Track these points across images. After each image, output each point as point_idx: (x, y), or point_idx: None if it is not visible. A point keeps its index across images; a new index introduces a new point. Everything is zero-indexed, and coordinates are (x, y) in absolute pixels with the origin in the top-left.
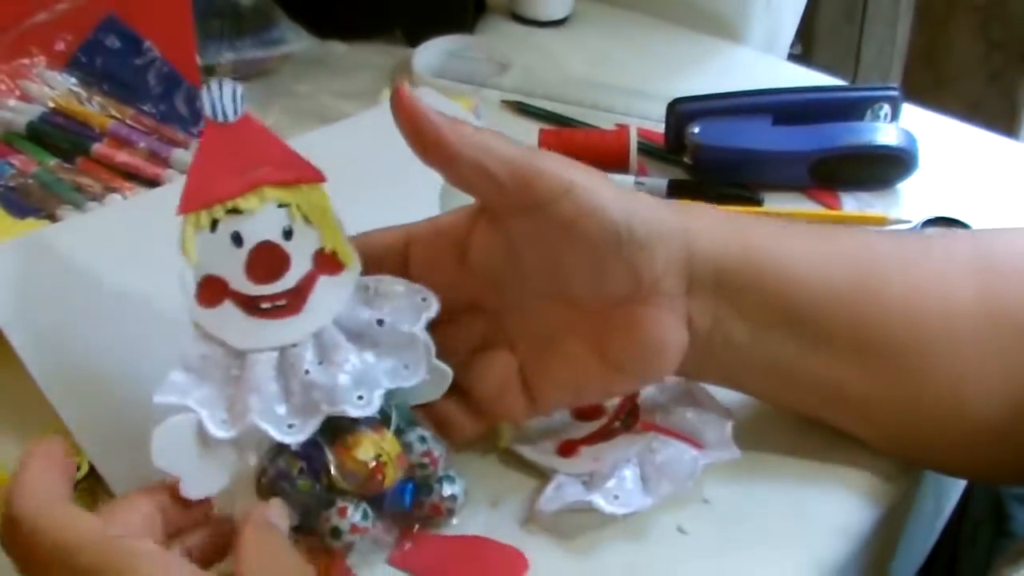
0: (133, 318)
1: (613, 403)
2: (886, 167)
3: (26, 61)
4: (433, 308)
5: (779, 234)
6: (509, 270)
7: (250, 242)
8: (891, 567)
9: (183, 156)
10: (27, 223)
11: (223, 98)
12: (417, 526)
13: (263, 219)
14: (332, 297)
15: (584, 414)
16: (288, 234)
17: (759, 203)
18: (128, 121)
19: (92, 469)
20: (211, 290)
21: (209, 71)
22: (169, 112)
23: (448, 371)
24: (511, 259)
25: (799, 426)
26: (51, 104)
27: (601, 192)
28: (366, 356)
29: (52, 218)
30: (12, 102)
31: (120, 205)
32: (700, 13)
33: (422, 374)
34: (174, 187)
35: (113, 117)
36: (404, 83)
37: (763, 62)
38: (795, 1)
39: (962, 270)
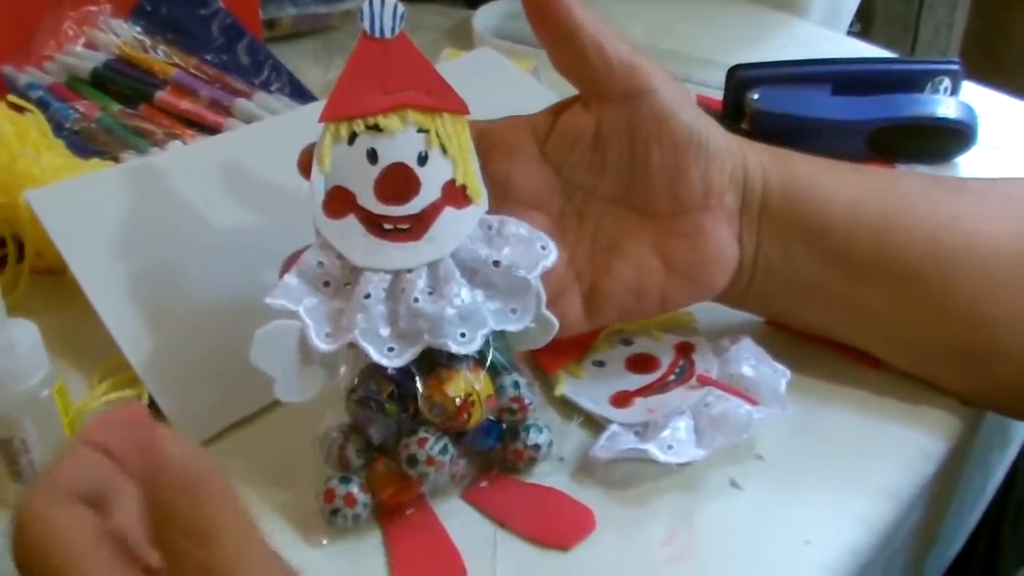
0: (195, 258)
1: (668, 357)
2: (945, 140)
3: (93, 8)
4: (551, 257)
5: (820, 168)
6: (587, 163)
7: (384, 161)
8: (939, 532)
9: (244, 105)
10: (91, 163)
11: (383, 13)
12: (497, 468)
13: (401, 141)
14: (454, 230)
15: (638, 366)
16: (423, 160)
17: None
18: (191, 70)
19: (152, 402)
20: (338, 201)
21: (271, 25)
22: (231, 63)
23: (555, 322)
24: (593, 151)
25: (854, 384)
26: (115, 51)
27: (684, 99)
28: (477, 294)
29: (116, 160)
30: (77, 48)
31: (183, 150)
32: None
33: (528, 321)
34: (236, 134)
35: (176, 66)
36: None
37: (824, 36)
38: None
39: (998, 208)
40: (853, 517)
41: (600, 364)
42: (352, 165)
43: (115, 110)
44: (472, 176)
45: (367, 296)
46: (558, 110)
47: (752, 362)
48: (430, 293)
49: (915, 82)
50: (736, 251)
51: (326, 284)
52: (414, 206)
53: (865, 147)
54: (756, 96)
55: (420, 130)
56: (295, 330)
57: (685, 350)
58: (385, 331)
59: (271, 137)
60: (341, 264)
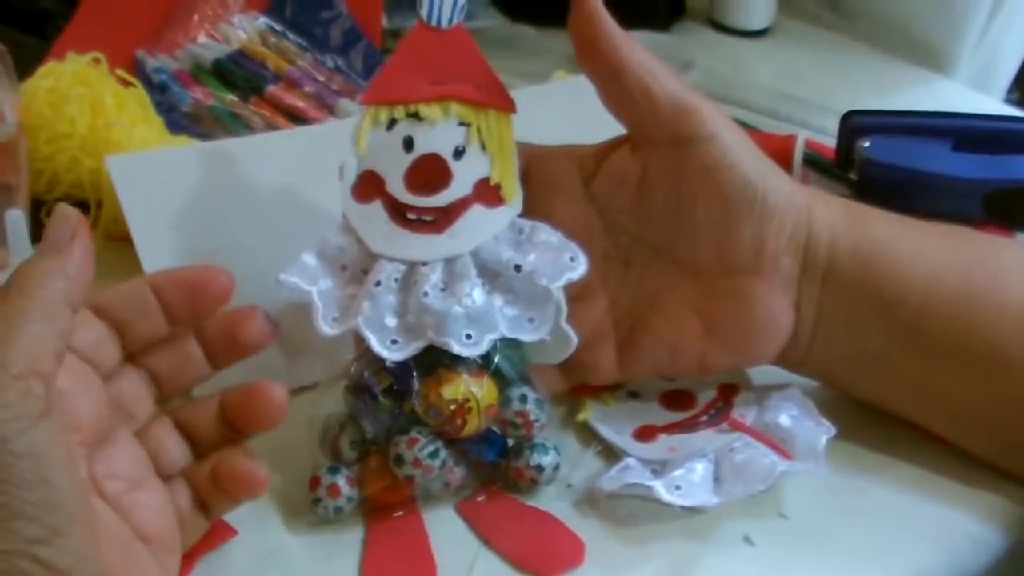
0: (247, 242)
1: (707, 397)
2: None
3: (226, 2)
4: (579, 270)
5: (902, 233)
6: (632, 209)
7: (419, 150)
8: None
9: (347, 106)
10: (178, 139)
11: (443, 3)
12: (499, 485)
13: (440, 132)
14: (480, 228)
15: (673, 402)
16: (459, 153)
17: None
18: (305, 68)
19: None
20: (367, 185)
21: (394, 34)
22: (345, 65)
23: (574, 338)
24: (639, 196)
25: (906, 454)
26: (238, 45)
27: (744, 148)
28: (494, 298)
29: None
30: (202, 39)
31: (263, 137)
32: (909, 40)
33: (544, 333)
34: (317, 128)
35: (291, 63)
36: None
37: (969, 97)
38: (1016, 39)
39: None
40: None
41: (634, 395)
42: (387, 151)
43: (228, 99)
44: (509, 176)
45: (377, 284)
46: (609, 148)
47: (793, 412)
48: (442, 289)
49: None
50: (790, 320)
51: (343, 268)
52: (441, 199)
53: (981, 210)
54: (867, 144)
55: (462, 123)
56: (303, 310)
57: (727, 393)
58: (392, 322)
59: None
60: (360, 249)
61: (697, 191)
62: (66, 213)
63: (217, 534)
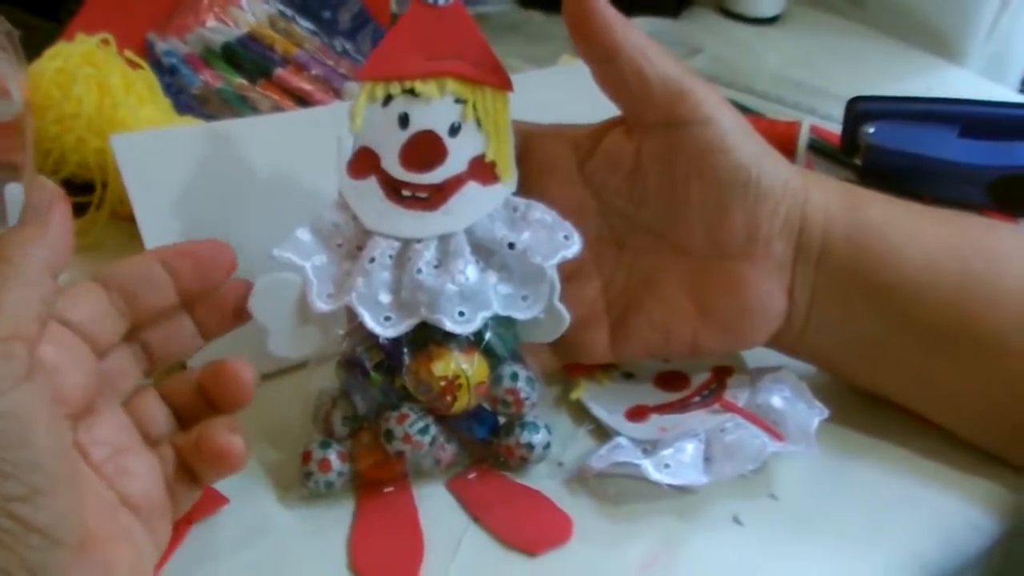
0: (246, 222)
1: (701, 378)
2: None
3: None
4: (573, 248)
5: (899, 216)
6: (626, 191)
7: (415, 127)
8: None
9: (354, 89)
10: (183, 120)
11: None
12: (490, 462)
13: (436, 109)
14: (475, 206)
15: (668, 383)
16: (454, 130)
17: None
18: (313, 51)
19: None
20: (362, 162)
21: None
22: (354, 49)
23: (567, 316)
24: (633, 179)
25: (901, 438)
26: (247, 29)
27: (740, 132)
28: (488, 275)
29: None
30: (212, 22)
31: (266, 119)
32: (920, 28)
33: (537, 311)
34: (318, 111)
35: (299, 47)
36: None
37: (981, 86)
38: None
39: None
40: None
41: (629, 375)
42: (382, 127)
43: (236, 82)
44: (504, 154)
45: (371, 260)
46: (604, 129)
47: (786, 394)
48: (436, 267)
49: None
50: (782, 304)
51: (339, 245)
52: (436, 176)
53: (985, 195)
54: (872, 130)
55: (458, 100)
56: (295, 285)
57: (721, 374)
58: (386, 299)
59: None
60: (355, 226)
61: (690, 174)
62: (44, 185)
63: (209, 502)
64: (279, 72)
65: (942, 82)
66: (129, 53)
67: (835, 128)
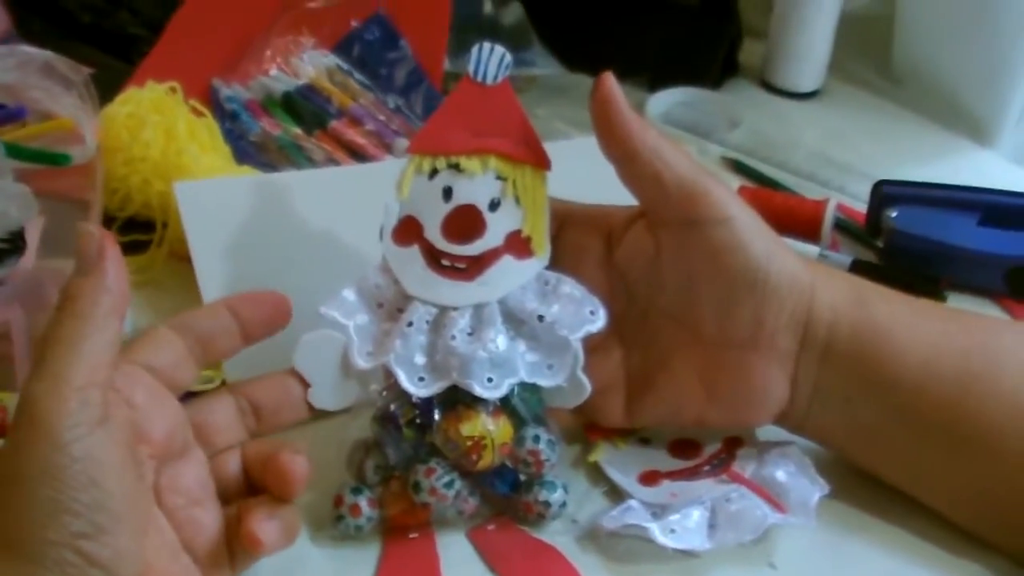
0: (298, 272)
1: (712, 448)
2: None
3: (299, 39)
4: (598, 324)
5: (903, 314)
6: (647, 278)
7: (457, 200)
8: None
9: (404, 145)
10: (241, 169)
11: (490, 60)
12: (509, 516)
13: (478, 184)
14: (509, 278)
15: (680, 451)
16: (494, 205)
17: (942, 300)
18: (368, 106)
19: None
20: (406, 230)
21: (455, 77)
22: (406, 106)
23: (587, 386)
24: (653, 268)
25: (897, 518)
26: (306, 80)
27: (753, 231)
28: (517, 343)
29: (268, 168)
30: (274, 71)
31: (321, 172)
32: (954, 109)
33: (561, 380)
34: (371, 167)
35: (355, 100)
36: (610, 76)
37: (1009, 170)
38: None
39: None
40: None
41: (645, 440)
42: (427, 198)
43: (293, 131)
44: (540, 230)
45: (410, 324)
46: (632, 219)
47: (791, 469)
48: (469, 334)
49: None
50: (785, 392)
51: (380, 305)
52: (475, 248)
53: (1003, 284)
54: (894, 214)
55: (499, 177)
56: (339, 342)
57: (731, 445)
58: (421, 360)
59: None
60: (396, 289)
61: (701, 270)
62: (90, 231)
63: None
64: (334, 124)
65: (972, 165)
66: (194, 102)
67: (862, 207)
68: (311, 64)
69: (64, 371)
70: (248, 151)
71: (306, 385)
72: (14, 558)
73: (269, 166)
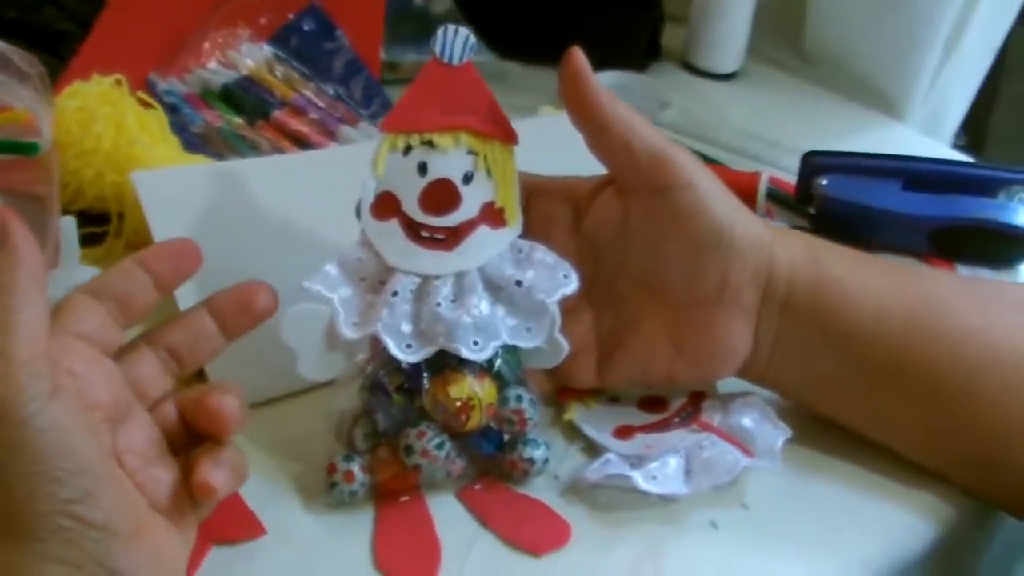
0: (263, 255)
1: (679, 401)
2: (1010, 246)
3: (235, 31)
4: (572, 287)
5: (853, 269)
6: (615, 244)
7: (432, 175)
8: None
9: (348, 132)
10: (196, 158)
11: (455, 42)
12: (494, 475)
13: (451, 159)
14: (485, 247)
15: (649, 406)
16: (468, 179)
17: None
18: (309, 95)
19: (201, 371)
20: (385, 205)
21: (391, 67)
22: (346, 94)
23: (565, 346)
24: (621, 233)
25: (854, 457)
26: (245, 72)
27: (716, 195)
28: (497, 308)
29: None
30: (212, 65)
31: (275, 159)
32: (865, 86)
33: (540, 341)
34: (323, 152)
35: (296, 90)
36: (579, 51)
37: (919, 142)
38: (963, 88)
39: None
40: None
41: (615, 400)
42: (403, 174)
43: (236, 122)
44: (511, 201)
45: (395, 294)
46: (599, 187)
47: (755, 416)
48: (452, 301)
49: (989, 187)
50: (747, 345)
51: (362, 279)
52: (452, 219)
53: (927, 244)
54: (824, 182)
55: (470, 152)
56: (324, 314)
57: (696, 399)
58: (407, 328)
59: (356, 159)
60: (378, 262)
61: (669, 234)
62: None
63: (247, 530)
64: (277, 114)
65: (885, 137)
66: (141, 93)
67: (791, 179)
68: (249, 56)
69: (5, 349)
70: (194, 142)
71: (217, 320)
72: (12, 541)
73: (218, 156)
